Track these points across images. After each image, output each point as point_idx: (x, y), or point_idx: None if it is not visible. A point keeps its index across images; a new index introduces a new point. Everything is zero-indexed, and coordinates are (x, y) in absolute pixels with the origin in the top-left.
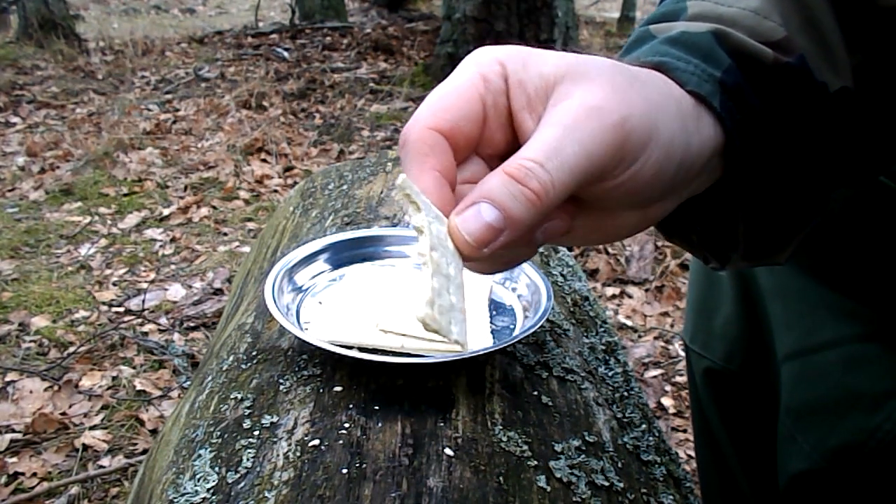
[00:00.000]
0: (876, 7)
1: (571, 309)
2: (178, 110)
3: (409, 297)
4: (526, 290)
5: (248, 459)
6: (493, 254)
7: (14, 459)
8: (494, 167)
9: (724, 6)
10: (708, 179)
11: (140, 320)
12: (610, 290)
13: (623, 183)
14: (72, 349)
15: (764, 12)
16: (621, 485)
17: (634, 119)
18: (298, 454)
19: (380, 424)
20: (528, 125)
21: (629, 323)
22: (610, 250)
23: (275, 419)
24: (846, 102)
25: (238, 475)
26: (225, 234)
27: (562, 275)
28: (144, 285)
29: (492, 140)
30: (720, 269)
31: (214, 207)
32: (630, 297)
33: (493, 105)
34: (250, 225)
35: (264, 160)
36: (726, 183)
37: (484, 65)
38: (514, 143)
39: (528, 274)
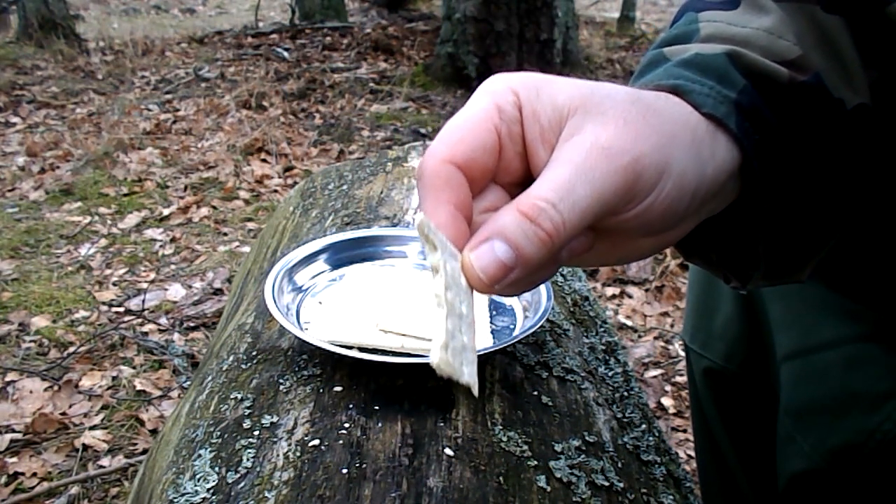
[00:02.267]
0: (890, 23)
1: (571, 309)
2: (178, 110)
3: (409, 297)
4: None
5: (248, 459)
6: (505, 287)
7: (14, 459)
8: (514, 194)
9: (737, 27)
10: (725, 200)
11: (140, 320)
12: (610, 290)
13: (636, 216)
14: (72, 349)
15: (778, 32)
16: (621, 485)
17: (646, 158)
18: (298, 454)
19: (380, 424)
20: (541, 156)
21: (629, 323)
22: None
23: (275, 419)
24: (864, 119)
25: (238, 475)
26: (225, 234)
27: (562, 275)
28: (144, 285)
29: (509, 169)
30: (741, 288)
31: (214, 207)
32: (630, 297)
33: (508, 134)
34: (250, 225)
35: (264, 160)
36: (745, 203)
37: (498, 94)
38: (530, 172)
39: None
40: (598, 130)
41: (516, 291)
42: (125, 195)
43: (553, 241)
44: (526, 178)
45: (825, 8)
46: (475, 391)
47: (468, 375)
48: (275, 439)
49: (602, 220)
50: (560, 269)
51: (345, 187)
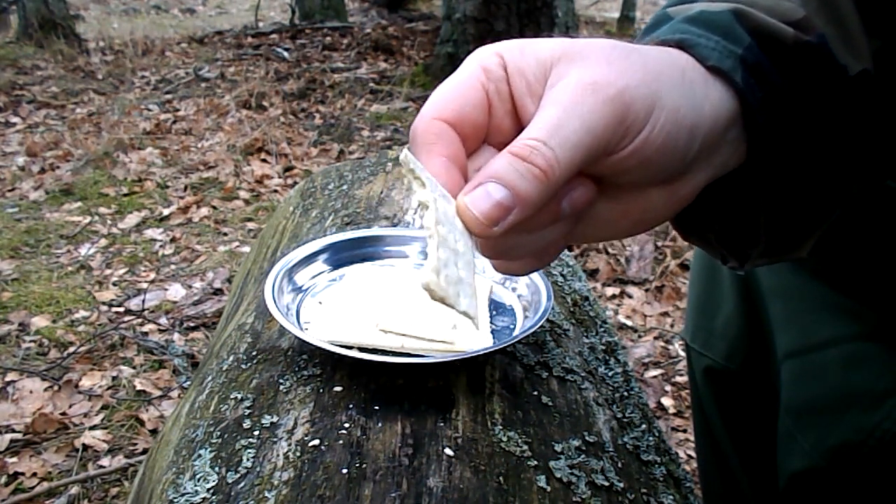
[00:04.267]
0: None
1: (571, 309)
2: (178, 110)
3: (409, 297)
4: (526, 290)
5: (248, 459)
6: (509, 236)
7: (14, 459)
8: None
9: None
10: (732, 155)
11: (140, 320)
12: (610, 290)
13: (634, 153)
14: (72, 349)
15: None
16: (621, 485)
17: (633, 89)
18: (298, 454)
19: (380, 424)
20: (530, 109)
21: (629, 323)
22: (610, 250)
23: (275, 419)
24: (867, 86)
25: (238, 475)
26: (225, 234)
27: (562, 275)
28: (144, 285)
29: (500, 128)
30: (739, 268)
31: (214, 207)
32: (630, 297)
33: (497, 93)
34: (250, 225)
35: (264, 160)
36: (749, 168)
37: (484, 58)
38: (522, 129)
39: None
40: (581, 71)
41: (503, 247)
42: (125, 195)
43: (548, 177)
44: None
45: None
46: (476, 324)
47: (466, 306)
48: (275, 439)
49: (600, 160)
50: (560, 270)
51: (345, 187)
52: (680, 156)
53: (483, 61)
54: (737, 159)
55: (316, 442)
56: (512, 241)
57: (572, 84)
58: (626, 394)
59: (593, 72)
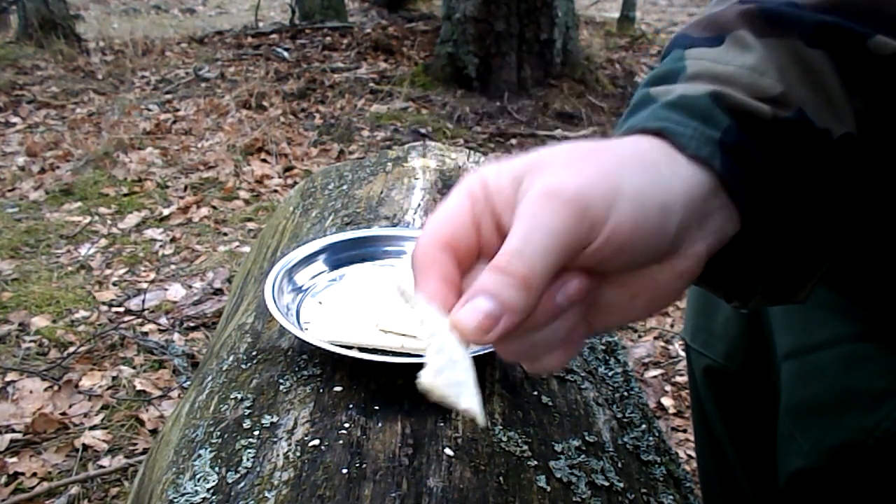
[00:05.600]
0: (873, 56)
1: None
2: (178, 110)
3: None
4: None
5: (248, 459)
6: (517, 340)
7: (14, 459)
8: None
9: (721, 65)
10: (728, 220)
11: (140, 320)
12: None
13: (607, 242)
14: (72, 349)
15: (760, 69)
16: (621, 485)
17: (589, 186)
18: (298, 454)
19: (380, 424)
20: (510, 223)
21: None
22: None
23: (275, 419)
24: (850, 148)
25: (238, 475)
26: (225, 234)
27: None
28: (144, 285)
29: (491, 247)
30: (743, 307)
31: (214, 207)
32: None
33: (482, 213)
34: (250, 225)
35: (264, 160)
36: (740, 232)
37: (469, 184)
38: None
39: None
40: (542, 180)
41: (521, 349)
42: (125, 195)
43: (528, 283)
44: None
45: (808, 43)
46: (479, 420)
47: (468, 404)
48: (275, 439)
49: (576, 256)
50: None
51: (345, 187)
52: (658, 233)
53: (468, 187)
54: (733, 225)
55: (316, 442)
56: (526, 343)
57: (535, 195)
58: (626, 394)
59: (552, 179)
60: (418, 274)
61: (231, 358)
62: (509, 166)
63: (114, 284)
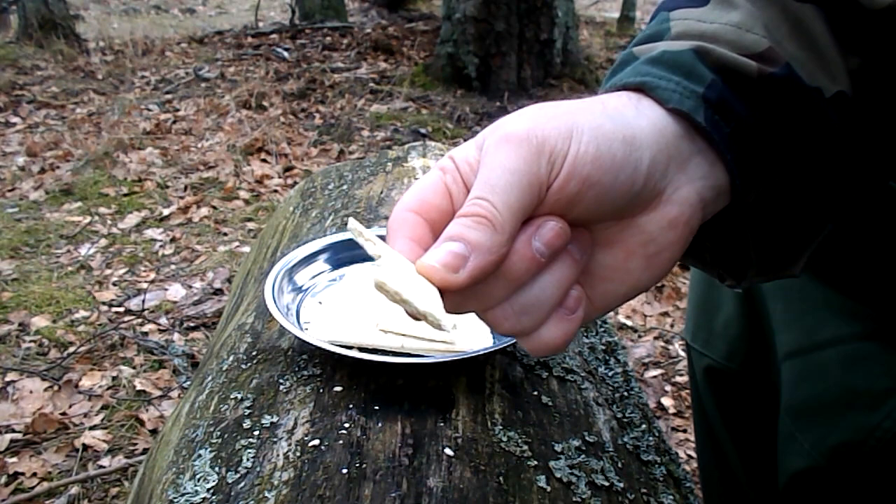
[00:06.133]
0: (865, 10)
1: None
2: (178, 110)
3: None
4: None
5: (248, 459)
6: (494, 305)
7: (14, 459)
8: None
9: (706, 23)
10: (713, 167)
11: (140, 320)
12: None
13: (570, 175)
14: (72, 349)
15: (746, 26)
16: (621, 485)
17: (543, 125)
18: (298, 454)
19: (380, 424)
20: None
21: (629, 323)
22: None
23: (275, 419)
24: (844, 107)
25: (238, 475)
26: (225, 234)
27: None
28: (144, 285)
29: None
30: (737, 286)
31: (214, 207)
32: None
33: (453, 182)
34: (250, 225)
35: (264, 160)
36: (731, 190)
37: (440, 162)
38: None
39: None
40: (497, 132)
41: (512, 314)
42: (125, 195)
43: (493, 222)
44: None
45: None
46: (445, 324)
47: (424, 306)
48: (275, 439)
49: (542, 195)
50: None
51: (345, 187)
52: (625, 165)
53: (440, 164)
54: (723, 174)
55: (316, 442)
56: (516, 306)
57: (491, 142)
58: (626, 394)
59: (505, 128)
60: (389, 236)
61: (231, 358)
62: (473, 138)
63: (114, 284)
